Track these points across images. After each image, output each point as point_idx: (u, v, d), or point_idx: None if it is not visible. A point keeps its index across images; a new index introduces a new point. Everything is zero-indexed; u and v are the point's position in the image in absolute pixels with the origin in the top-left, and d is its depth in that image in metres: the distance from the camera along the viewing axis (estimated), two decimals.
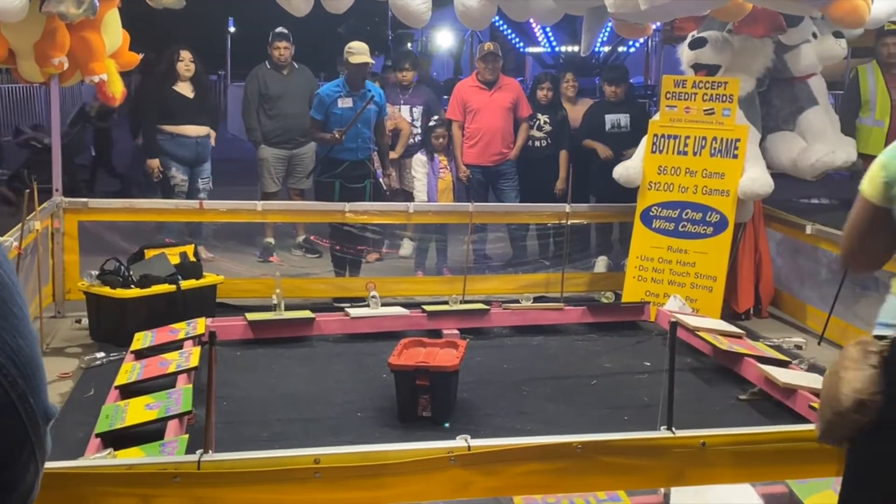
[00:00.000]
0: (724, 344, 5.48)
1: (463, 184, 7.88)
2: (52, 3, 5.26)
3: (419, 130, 8.20)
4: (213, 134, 7.95)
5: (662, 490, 3.31)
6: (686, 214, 6.64)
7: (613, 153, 7.45)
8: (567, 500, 3.29)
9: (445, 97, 8.95)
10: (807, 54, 6.70)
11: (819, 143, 6.54)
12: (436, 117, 8.01)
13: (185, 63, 7.64)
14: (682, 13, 6.12)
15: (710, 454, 2.89)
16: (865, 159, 7.18)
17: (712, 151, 6.56)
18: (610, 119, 7.69)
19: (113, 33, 6.04)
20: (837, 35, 6.62)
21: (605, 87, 7.87)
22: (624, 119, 7.65)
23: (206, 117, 7.85)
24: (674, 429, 2.93)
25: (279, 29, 8.12)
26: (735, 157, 6.47)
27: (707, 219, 6.56)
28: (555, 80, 8.13)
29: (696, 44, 6.57)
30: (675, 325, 3.17)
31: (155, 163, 7.63)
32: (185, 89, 7.67)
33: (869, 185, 2.43)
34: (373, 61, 7.27)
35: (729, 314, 6.64)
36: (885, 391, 2.28)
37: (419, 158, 7.79)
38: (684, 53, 6.75)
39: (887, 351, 2.31)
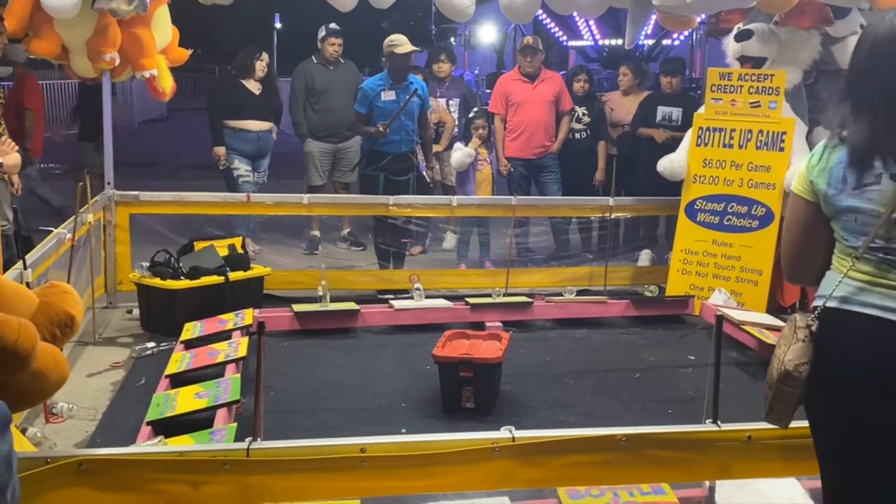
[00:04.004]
0: (770, 338, 5.45)
1: (503, 177, 7.89)
2: (104, 0, 5.36)
3: (456, 123, 8.24)
4: (274, 129, 8.11)
5: (707, 483, 3.31)
6: (731, 208, 6.59)
7: (659, 148, 7.34)
8: (611, 493, 3.30)
9: (488, 91, 8.95)
10: None
11: None
12: (475, 109, 8.02)
13: (263, 65, 7.88)
14: (729, 5, 6.07)
15: (755, 448, 2.89)
16: None
17: (758, 144, 6.50)
18: (661, 111, 7.61)
19: (163, 29, 6.14)
20: None
21: (661, 77, 7.82)
22: (676, 112, 7.53)
23: (270, 115, 8.04)
24: (719, 422, 2.93)
25: (332, 25, 8.16)
26: (781, 150, 6.41)
27: (753, 212, 6.51)
28: (590, 73, 8.18)
29: (742, 36, 6.51)
30: (720, 318, 3.16)
31: (221, 150, 7.80)
32: (253, 86, 7.87)
33: (798, 181, 2.53)
34: (417, 48, 7.30)
35: (774, 308, 6.58)
36: (816, 356, 2.36)
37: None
38: (730, 46, 6.69)
39: (815, 322, 2.39)
